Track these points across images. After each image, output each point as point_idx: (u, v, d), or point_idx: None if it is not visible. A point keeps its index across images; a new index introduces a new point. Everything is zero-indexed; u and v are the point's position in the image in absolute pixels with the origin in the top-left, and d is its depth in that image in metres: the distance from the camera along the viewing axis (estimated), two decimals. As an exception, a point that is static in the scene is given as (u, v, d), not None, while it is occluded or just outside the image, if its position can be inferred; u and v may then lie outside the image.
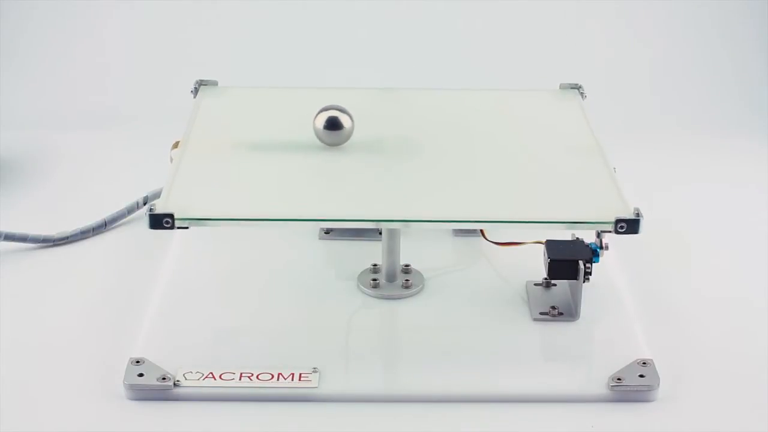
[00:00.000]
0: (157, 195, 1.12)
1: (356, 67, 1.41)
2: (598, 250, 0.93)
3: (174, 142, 0.98)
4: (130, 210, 1.13)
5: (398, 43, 1.45)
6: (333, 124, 0.95)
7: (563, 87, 1.08)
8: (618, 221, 0.85)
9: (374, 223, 0.89)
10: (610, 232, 0.86)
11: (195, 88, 1.07)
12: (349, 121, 0.96)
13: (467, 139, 0.99)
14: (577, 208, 0.87)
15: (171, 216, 0.85)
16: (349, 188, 0.92)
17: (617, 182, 0.91)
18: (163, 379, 0.87)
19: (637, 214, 0.85)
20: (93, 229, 1.10)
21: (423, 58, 1.43)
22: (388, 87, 1.08)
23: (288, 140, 0.98)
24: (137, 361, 0.88)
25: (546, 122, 1.03)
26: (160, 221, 0.85)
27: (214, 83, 1.08)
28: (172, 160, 0.95)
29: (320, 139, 0.96)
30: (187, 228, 0.86)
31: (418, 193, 0.91)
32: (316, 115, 0.96)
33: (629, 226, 0.85)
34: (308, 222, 0.90)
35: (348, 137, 0.96)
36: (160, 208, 0.86)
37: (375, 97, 1.05)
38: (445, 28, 1.46)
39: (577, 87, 1.08)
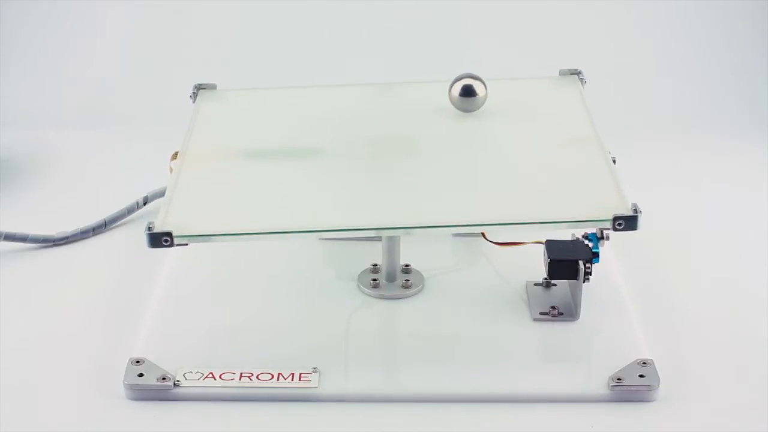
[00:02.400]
0: (157, 195, 1.12)
1: (352, 57, 1.41)
2: (597, 241, 0.92)
3: (173, 152, 0.97)
4: (130, 210, 1.13)
5: (394, 35, 1.44)
6: (468, 92, 0.98)
7: (563, 73, 1.08)
8: (616, 218, 0.85)
9: (376, 231, 0.89)
10: (609, 229, 0.86)
11: (194, 92, 1.07)
12: (483, 88, 0.98)
13: (467, 137, 0.99)
14: (575, 207, 0.87)
15: (169, 234, 0.85)
16: (349, 195, 0.91)
17: (616, 177, 0.90)
18: (163, 379, 0.87)
19: (635, 211, 0.85)
20: (93, 229, 1.10)
21: (420, 49, 1.43)
22: (385, 82, 1.08)
23: (288, 145, 0.97)
24: (137, 361, 0.88)
25: (545, 112, 1.02)
26: (158, 240, 0.84)
27: (213, 87, 1.08)
28: (171, 170, 0.94)
29: (456, 106, 0.99)
30: (186, 245, 0.85)
31: (417, 198, 0.90)
32: (452, 84, 0.99)
33: (627, 222, 0.85)
34: (309, 233, 0.89)
35: (483, 103, 0.99)
36: (159, 226, 0.85)
37: (373, 93, 1.05)
38: (443, 21, 1.46)
39: (576, 72, 1.07)
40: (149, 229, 0.85)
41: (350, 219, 0.88)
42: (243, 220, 0.88)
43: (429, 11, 1.46)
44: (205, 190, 0.92)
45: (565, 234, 0.96)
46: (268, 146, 0.98)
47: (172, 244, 0.85)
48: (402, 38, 1.44)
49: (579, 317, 0.95)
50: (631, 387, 0.87)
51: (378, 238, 1.01)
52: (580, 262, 0.92)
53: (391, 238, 0.98)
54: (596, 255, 0.93)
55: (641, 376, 0.87)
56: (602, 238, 0.92)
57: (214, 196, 0.91)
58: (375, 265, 1.01)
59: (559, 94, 1.05)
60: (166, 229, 0.85)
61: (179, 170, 0.94)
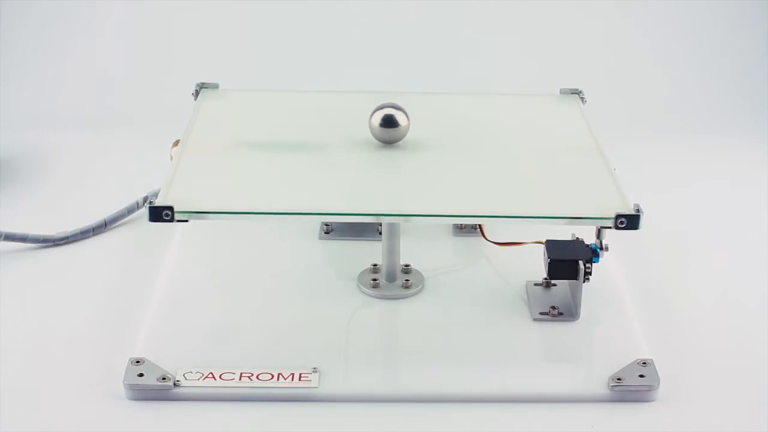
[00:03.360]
0: (157, 195, 1.12)
1: (357, 70, 1.41)
2: (598, 250, 0.93)
3: (174, 141, 0.98)
4: (130, 210, 1.13)
5: (399, 48, 1.45)
6: (389, 122, 0.96)
7: (563, 92, 1.08)
8: (618, 216, 0.85)
9: (374, 217, 0.90)
10: (610, 228, 0.86)
11: (196, 90, 1.07)
12: (405, 119, 0.96)
13: (468, 139, 0.99)
14: (577, 204, 0.88)
15: (170, 209, 0.85)
16: (350, 184, 0.92)
17: (617, 179, 0.91)
18: (163, 379, 0.87)
19: (637, 210, 0.85)
20: (93, 229, 1.10)
21: (425, 62, 1.43)
22: (389, 91, 1.08)
23: (288, 140, 0.98)
24: (137, 361, 0.88)
25: (546, 124, 1.03)
26: (159, 214, 0.85)
27: (215, 86, 1.08)
28: (171, 158, 0.95)
29: (376, 137, 0.97)
30: (186, 221, 0.86)
31: (418, 189, 0.91)
32: (372, 113, 0.97)
33: (629, 221, 0.85)
34: (308, 216, 0.89)
35: (404, 134, 0.97)
36: (160, 200, 0.86)
37: (376, 101, 1.05)
38: (447, 33, 1.46)
39: (577, 92, 1.08)
40: (150, 203, 0.85)
41: (350, 205, 0.88)
42: (244, 200, 0.88)
43: (434, 26, 1.46)
44: (206, 171, 0.92)
45: (565, 234, 0.96)
46: (269, 139, 0.98)
47: (172, 219, 0.85)
48: (405, 51, 1.45)
49: (579, 317, 0.95)
50: (631, 387, 0.87)
51: (378, 237, 1.01)
52: (580, 262, 0.92)
53: (391, 237, 0.98)
54: (596, 254, 0.93)
55: (641, 376, 0.87)
56: (602, 248, 0.92)
57: (216, 176, 0.92)
58: (375, 265, 1.01)
59: (560, 109, 1.06)
60: (167, 203, 0.85)
61: (180, 154, 0.94)
